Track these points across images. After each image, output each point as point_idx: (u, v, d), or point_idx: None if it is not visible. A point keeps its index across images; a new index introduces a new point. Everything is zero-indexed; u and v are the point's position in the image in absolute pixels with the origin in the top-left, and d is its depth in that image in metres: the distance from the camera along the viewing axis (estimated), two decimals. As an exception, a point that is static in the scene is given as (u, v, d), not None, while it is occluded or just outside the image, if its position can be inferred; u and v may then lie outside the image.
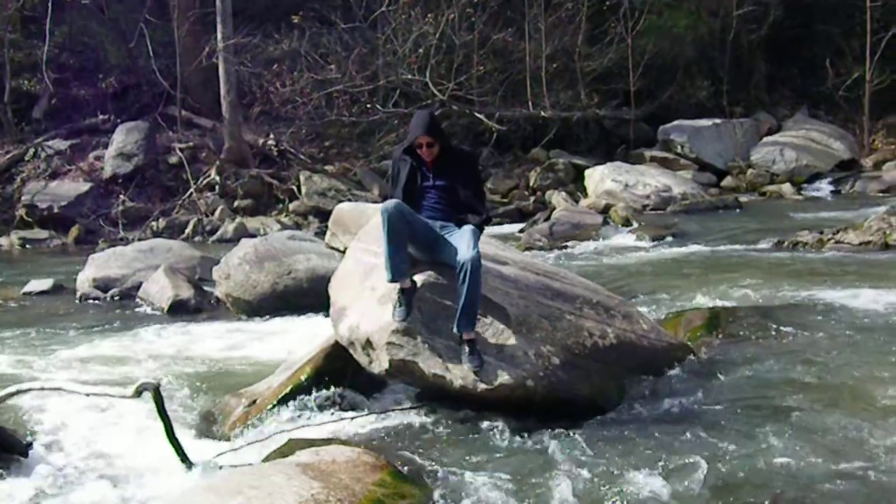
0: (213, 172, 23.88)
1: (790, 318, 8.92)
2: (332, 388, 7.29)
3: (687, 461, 5.62)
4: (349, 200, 18.89)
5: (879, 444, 5.73)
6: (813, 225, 15.74)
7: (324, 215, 19.66)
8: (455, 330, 6.56)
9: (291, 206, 22.94)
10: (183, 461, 6.47)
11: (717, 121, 26.00)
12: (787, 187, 23.32)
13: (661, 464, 5.63)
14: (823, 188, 23.62)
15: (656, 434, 6.17)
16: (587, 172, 22.98)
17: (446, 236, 6.84)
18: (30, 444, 7.04)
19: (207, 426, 7.47)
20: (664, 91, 27.14)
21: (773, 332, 8.41)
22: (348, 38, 25.63)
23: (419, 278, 6.82)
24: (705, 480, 5.38)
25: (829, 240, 13.93)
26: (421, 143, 6.96)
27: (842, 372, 7.15)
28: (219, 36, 24.00)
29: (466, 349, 6.53)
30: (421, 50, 25.02)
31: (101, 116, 26.24)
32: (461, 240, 6.68)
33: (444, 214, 6.98)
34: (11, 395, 7.38)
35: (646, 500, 5.22)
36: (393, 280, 6.68)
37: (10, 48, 26.23)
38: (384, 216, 6.64)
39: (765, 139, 26.00)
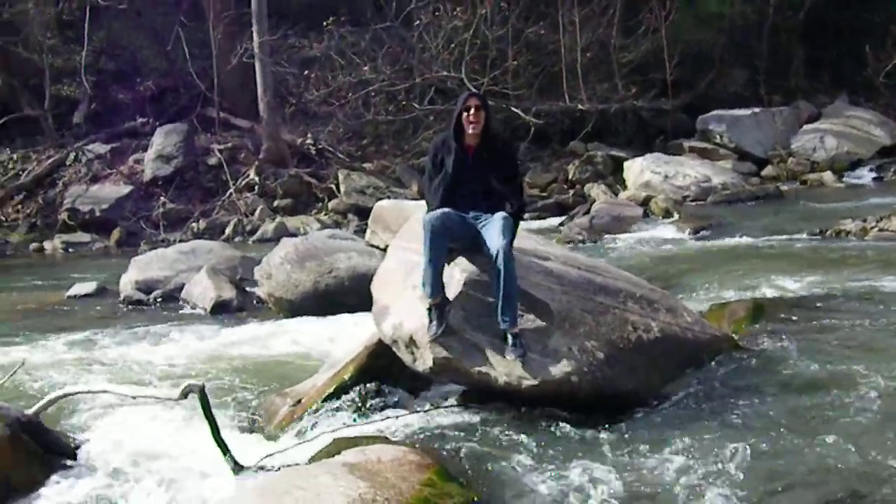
0: (251, 173, 23.96)
1: (835, 308, 8.84)
2: (377, 387, 7.30)
3: (732, 456, 5.57)
4: (388, 198, 18.93)
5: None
6: (856, 213, 15.56)
7: (363, 213, 19.68)
8: (500, 324, 6.54)
9: (331, 205, 22.95)
10: (230, 462, 6.49)
11: (756, 109, 25.76)
12: (828, 175, 23.07)
13: (706, 458, 5.59)
14: (865, 175, 23.36)
15: (701, 428, 6.12)
16: (626, 164, 22.90)
17: (480, 227, 6.82)
18: (77, 447, 7.10)
19: (253, 427, 7.50)
20: (702, 80, 26.95)
21: (818, 323, 8.32)
22: (384, 35, 25.60)
23: (461, 276, 6.81)
24: (750, 475, 5.33)
25: (872, 228, 13.78)
26: (470, 105, 6.94)
27: (892, 363, 7.05)
28: (255, 37, 24.08)
29: (511, 339, 6.51)
30: (454, 45, 24.98)
31: (139, 120, 26.44)
32: (493, 229, 6.65)
33: (481, 204, 6.94)
34: (59, 398, 7.47)
35: (691, 494, 5.18)
36: (430, 295, 6.66)
37: (50, 54, 26.44)
38: (427, 229, 6.64)
39: (805, 127, 25.72)
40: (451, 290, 6.75)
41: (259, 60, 24.16)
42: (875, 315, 8.52)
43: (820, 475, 5.24)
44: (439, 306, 6.66)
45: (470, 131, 6.99)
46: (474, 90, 21.57)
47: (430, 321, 6.64)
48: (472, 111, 6.94)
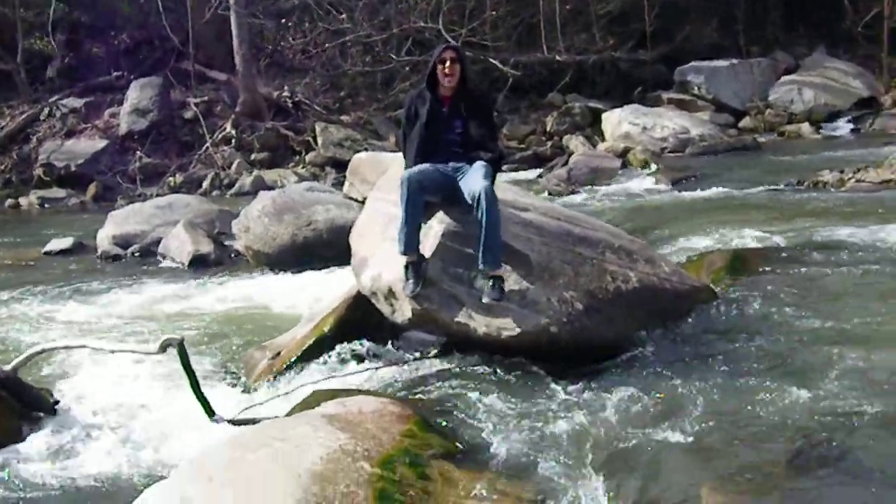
0: (228, 126, 23.81)
1: (813, 258, 8.85)
2: (356, 339, 7.30)
3: (712, 404, 5.59)
4: (366, 150, 18.83)
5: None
6: (833, 164, 15.57)
7: (341, 166, 19.60)
8: (480, 265, 6.48)
9: (308, 158, 22.84)
10: (209, 415, 6.50)
11: (734, 61, 25.80)
12: (805, 127, 23.08)
13: (685, 407, 5.60)
14: (843, 127, 23.39)
15: (679, 377, 6.12)
16: (604, 116, 22.85)
17: (459, 179, 6.76)
18: (56, 402, 7.09)
19: (233, 379, 7.50)
20: (680, 32, 26.87)
21: (796, 273, 8.34)
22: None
23: (439, 227, 6.78)
24: (724, 422, 5.35)
25: (849, 179, 13.81)
26: (445, 57, 6.86)
27: (868, 311, 7.07)
28: (230, -12, 23.84)
29: (490, 283, 6.45)
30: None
31: (114, 73, 26.18)
32: (474, 174, 6.59)
33: (459, 155, 6.87)
34: (37, 353, 7.44)
35: (671, 443, 5.20)
36: (404, 252, 6.62)
37: (21, 7, 26.11)
38: (404, 185, 6.57)
39: (782, 78, 25.76)
40: (429, 242, 6.73)
41: (234, 12, 23.87)
42: (852, 264, 8.55)
43: (792, 421, 5.25)
44: (416, 264, 6.62)
45: (445, 84, 6.94)
46: (451, 41, 21.48)
47: (407, 279, 6.61)
48: (447, 63, 6.86)
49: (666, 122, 21.85)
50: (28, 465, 6.10)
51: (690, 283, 7.59)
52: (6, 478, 5.93)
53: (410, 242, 6.60)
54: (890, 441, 4.97)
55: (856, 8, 26.57)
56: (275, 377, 7.11)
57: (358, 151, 17.10)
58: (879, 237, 9.61)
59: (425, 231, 6.73)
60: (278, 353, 7.45)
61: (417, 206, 6.61)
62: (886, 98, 25.09)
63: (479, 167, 6.65)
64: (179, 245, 13.19)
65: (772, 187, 14.58)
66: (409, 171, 6.69)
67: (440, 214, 6.86)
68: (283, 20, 25.40)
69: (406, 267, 6.63)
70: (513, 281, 6.60)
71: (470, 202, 6.52)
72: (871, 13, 26.18)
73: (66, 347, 7.84)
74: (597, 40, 25.85)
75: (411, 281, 6.59)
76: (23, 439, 6.46)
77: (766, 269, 8.50)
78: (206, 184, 21.80)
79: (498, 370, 6.46)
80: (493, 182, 6.64)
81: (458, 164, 6.83)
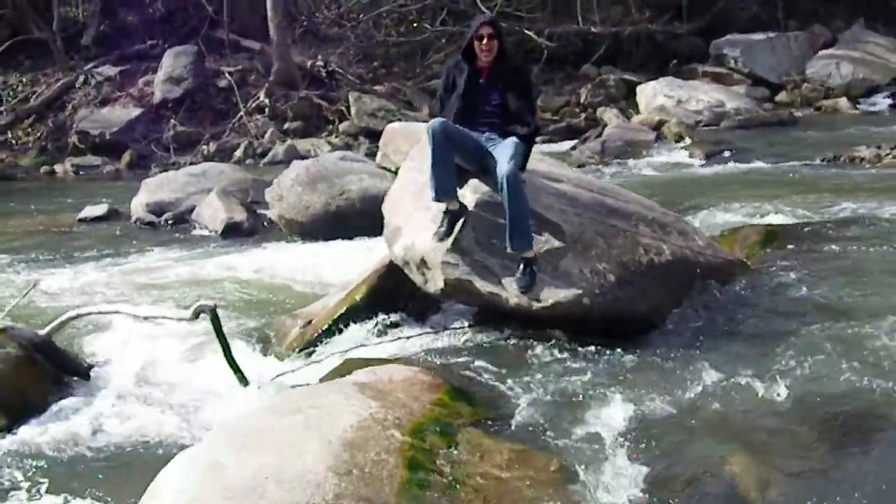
0: (262, 95, 23.81)
1: (848, 233, 8.76)
2: (388, 309, 7.30)
3: (742, 379, 5.56)
4: (399, 120, 18.80)
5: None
6: (870, 139, 15.43)
7: (374, 136, 19.55)
8: (509, 249, 6.48)
9: (341, 128, 22.83)
10: (241, 382, 6.55)
11: (771, 34, 25.41)
12: (843, 101, 22.75)
13: (717, 381, 5.59)
14: (881, 102, 23.06)
15: (713, 351, 6.11)
16: (639, 88, 22.69)
17: (491, 149, 6.71)
18: (91, 367, 7.16)
19: (264, 347, 7.53)
20: (716, 4, 26.60)
21: (831, 249, 8.26)
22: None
23: (472, 197, 6.76)
24: (761, 397, 5.33)
25: (887, 155, 13.68)
26: (482, 34, 6.77)
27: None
28: (264, -43, 23.78)
29: (521, 267, 6.46)
30: (468, -35, 24.66)
31: (149, 42, 26.22)
32: (502, 153, 6.51)
33: (495, 126, 6.82)
34: (72, 318, 7.52)
35: (699, 417, 5.19)
36: (436, 198, 6.61)
37: (57, -25, 26.21)
38: (429, 134, 6.55)
39: (820, 52, 25.37)
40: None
41: (269, -20, 23.86)
42: (887, 241, 8.44)
43: (823, 397, 5.23)
44: (453, 213, 6.63)
45: (483, 58, 6.88)
46: (487, 12, 21.38)
47: (441, 225, 6.64)
48: (484, 40, 6.79)
49: (701, 96, 21.68)
50: (62, 428, 6.16)
51: (724, 257, 7.56)
52: (41, 441, 5.99)
53: (440, 188, 6.57)
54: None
55: (896, -20, 26.21)
56: (306, 345, 7.13)
57: (391, 121, 17.07)
58: (916, 213, 9.53)
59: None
60: (310, 322, 7.47)
61: (445, 151, 6.56)
62: (926, 73, 24.75)
63: (509, 145, 6.57)
64: (212, 213, 13.25)
65: (807, 162, 14.47)
66: (430, 122, 6.68)
67: (474, 182, 6.83)
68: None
69: (444, 214, 6.66)
70: (545, 252, 6.58)
71: (496, 182, 6.51)
72: (911, -14, 25.84)
73: (99, 313, 7.90)
74: (632, 12, 25.65)
75: (443, 228, 6.61)
76: (57, 403, 6.52)
77: (800, 244, 8.43)
78: (239, 152, 21.83)
79: (529, 342, 6.45)
80: (525, 160, 6.63)
81: (493, 136, 6.79)
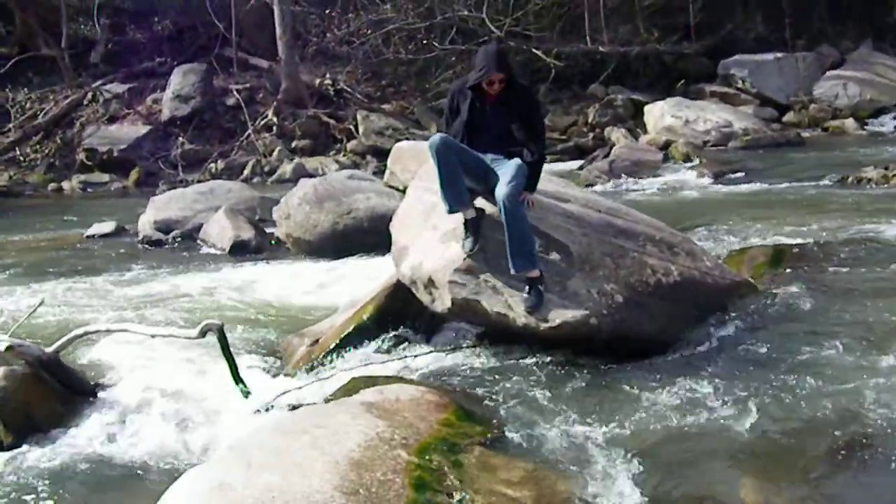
0: (270, 113, 23.90)
1: (855, 255, 8.76)
2: (395, 327, 7.31)
3: (751, 400, 5.56)
4: (407, 139, 18.82)
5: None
6: (878, 160, 15.41)
7: (382, 154, 19.57)
8: (511, 270, 6.46)
9: (349, 146, 22.91)
10: (248, 401, 6.53)
11: (779, 54, 25.44)
12: (850, 122, 22.74)
13: (724, 402, 5.58)
14: (888, 123, 23.01)
15: (721, 373, 6.10)
16: (647, 108, 22.71)
17: (494, 167, 6.69)
18: (97, 385, 7.15)
19: (271, 366, 7.52)
20: (725, 24, 26.63)
21: (838, 270, 8.26)
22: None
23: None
24: (768, 419, 5.32)
25: (894, 175, 13.65)
26: (493, 80, 6.68)
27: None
28: (273, -25, 23.88)
29: (527, 288, 6.46)
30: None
31: (157, 59, 26.33)
32: (504, 174, 6.51)
33: (500, 149, 6.79)
34: (79, 336, 7.49)
35: (709, 437, 5.18)
36: (452, 211, 6.62)
37: (66, -7, 26.33)
38: (432, 150, 6.56)
39: (827, 73, 25.39)
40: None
41: (277, 0, 23.94)
42: (894, 262, 8.44)
43: (833, 419, 5.22)
44: (473, 221, 6.63)
45: (492, 94, 6.80)
46: (496, 31, 21.45)
47: (466, 237, 6.63)
48: (494, 85, 6.72)
49: (709, 116, 21.69)
50: (68, 447, 6.15)
51: (731, 278, 7.54)
52: (47, 459, 5.98)
53: (453, 199, 6.59)
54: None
55: (904, 2, 26.22)
56: (313, 364, 7.12)
57: (399, 140, 17.09)
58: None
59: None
60: (317, 340, 7.47)
61: (451, 164, 6.55)
62: (933, 94, 24.73)
63: (512, 166, 6.56)
64: (220, 231, 13.25)
65: (815, 183, 14.45)
66: (432, 137, 6.69)
67: (480, 201, 6.82)
68: (327, 10, 25.38)
69: (465, 224, 6.65)
70: (552, 272, 6.58)
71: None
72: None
73: (107, 331, 7.89)
74: (641, 32, 25.67)
75: (470, 238, 6.61)
76: (64, 422, 6.50)
77: (808, 265, 8.43)
78: (247, 170, 21.91)
79: (537, 362, 6.46)
80: (533, 181, 6.66)
81: (497, 157, 6.77)
